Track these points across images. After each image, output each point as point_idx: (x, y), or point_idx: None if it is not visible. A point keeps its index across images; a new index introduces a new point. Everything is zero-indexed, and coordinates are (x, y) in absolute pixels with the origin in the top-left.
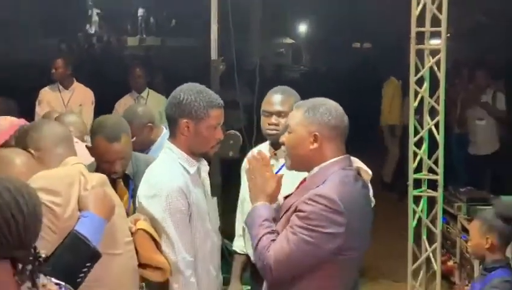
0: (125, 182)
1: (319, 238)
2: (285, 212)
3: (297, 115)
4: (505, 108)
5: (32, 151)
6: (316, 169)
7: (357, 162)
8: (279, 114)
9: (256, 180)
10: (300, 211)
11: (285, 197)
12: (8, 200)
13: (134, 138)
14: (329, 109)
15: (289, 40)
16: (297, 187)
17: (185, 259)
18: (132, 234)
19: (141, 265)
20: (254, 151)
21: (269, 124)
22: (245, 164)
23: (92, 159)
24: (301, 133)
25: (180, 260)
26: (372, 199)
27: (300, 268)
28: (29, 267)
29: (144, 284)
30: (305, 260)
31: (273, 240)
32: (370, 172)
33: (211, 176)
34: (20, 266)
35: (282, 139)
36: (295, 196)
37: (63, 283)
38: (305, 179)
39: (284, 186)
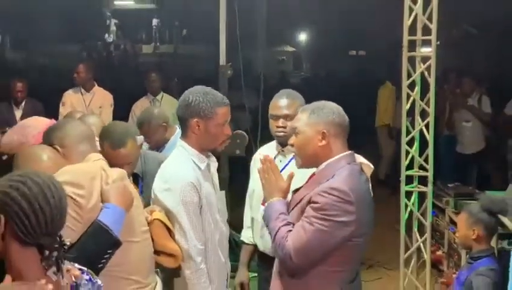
0: (135, 179)
1: (333, 226)
2: (297, 204)
3: (303, 117)
4: (490, 110)
5: (58, 147)
6: (324, 164)
7: (359, 158)
8: (285, 117)
9: (270, 179)
10: (314, 202)
11: (295, 191)
12: (36, 192)
13: (151, 136)
14: (332, 108)
15: (290, 48)
16: (307, 181)
17: (196, 247)
18: (148, 223)
19: (156, 252)
20: (262, 154)
21: (277, 127)
22: (253, 163)
23: None
24: (309, 133)
25: (191, 247)
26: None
27: (317, 255)
28: (55, 253)
29: (158, 269)
30: (321, 247)
31: (290, 231)
32: (372, 166)
33: (219, 171)
34: (46, 252)
35: (291, 141)
36: (305, 189)
37: (85, 269)
38: (314, 174)
39: (292, 184)
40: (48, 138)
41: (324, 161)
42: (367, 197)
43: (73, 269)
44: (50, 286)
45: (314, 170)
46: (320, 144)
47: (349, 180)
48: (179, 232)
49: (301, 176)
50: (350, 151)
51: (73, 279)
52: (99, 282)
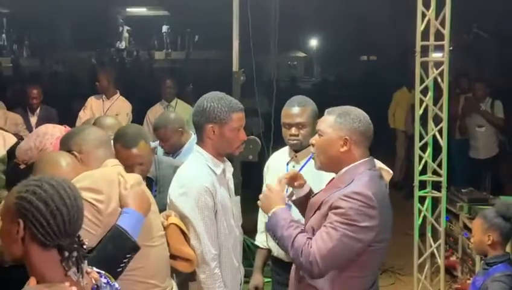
0: (148, 184)
1: (357, 231)
2: (316, 210)
3: (329, 119)
4: (503, 115)
5: (76, 153)
6: (344, 169)
7: (378, 163)
8: (298, 125)
9: (265, 197)
10: (337, 207)
11: (313, 195)
12: (51, 194)
13: (167, 141)
14: (358, 116)
15: (301, 54)
16: (326, 186)
17: (210, 252)
18: (164, 228)
19: (171, 256)
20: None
21: (290, 135)
22: (266, 168)
23: None
24: (332, 136)
25: (206, 252)
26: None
27: (342, 261)
28: (75, 254)
29: (174, 274)
30: (346, 253)
31: (309, 238)
32: (391, 172)
33: (233, 176)
34: (66, 253)
35: (313, 141)
36: (324, 193)
37: (103, 272)
38: (333, 178)
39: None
40: (66, 144)
41: (344, 167)
42: (387, 202)
43: (93, 272)
44: (74, 288)
45: (325, 173)
46: (342, 150)
47: (371, 185)
48: (194, 237)
49: (313, 179)
50: (370, 157)
51: (94, 281)
52: (117, 285)
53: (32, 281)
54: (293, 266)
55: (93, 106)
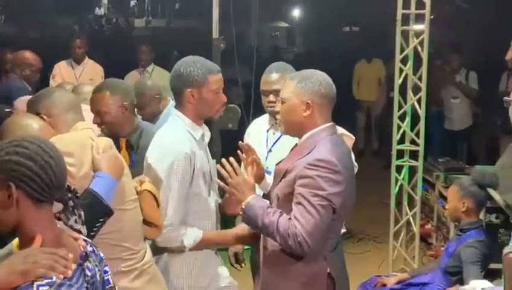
0: (128, 150)
1: (328, 199)
2: (281, 178)
3: (291, 85)
4: (477, 87)
5: (45, 117)
6: (305, 136)
7: (341, 129)
8: (276, 92)
9: (238, 181)
10: (303, 177)
11: (277, 164)
12: (34, 149)
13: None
14: (319, 79)
15: (284, 24)
16: (289, 153)
17: (169, 218)
18: (137, 193)
19: (143, 222)
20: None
21: (268, 102)
22: (247, 136)
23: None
24: (294, 102)
25: (169, 219)
26: (355, 164)
27: (326, 231)
28: (71, 203)
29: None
30: (326, 222)
31: (290, 219)
32: (353, 137)
33: (212, 145)
34: (62, 205)
35: (277, 108)
36: (287, 160)
37: (89, 240)
38: (296, 145)
39: (282, 152)
40: (34, 107)
41: (307, 132)
42: (350, 165)
43: (80, 239)
44: (70, 255)
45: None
46: (305, 114)
47: (334, 150)
48: (164, 200)
49: (292, 145)
50: (331, 123)
51: (82, 248)
52: (102, 255)
53: (38, 240)
54: (262, 245)
55: (63, 73)
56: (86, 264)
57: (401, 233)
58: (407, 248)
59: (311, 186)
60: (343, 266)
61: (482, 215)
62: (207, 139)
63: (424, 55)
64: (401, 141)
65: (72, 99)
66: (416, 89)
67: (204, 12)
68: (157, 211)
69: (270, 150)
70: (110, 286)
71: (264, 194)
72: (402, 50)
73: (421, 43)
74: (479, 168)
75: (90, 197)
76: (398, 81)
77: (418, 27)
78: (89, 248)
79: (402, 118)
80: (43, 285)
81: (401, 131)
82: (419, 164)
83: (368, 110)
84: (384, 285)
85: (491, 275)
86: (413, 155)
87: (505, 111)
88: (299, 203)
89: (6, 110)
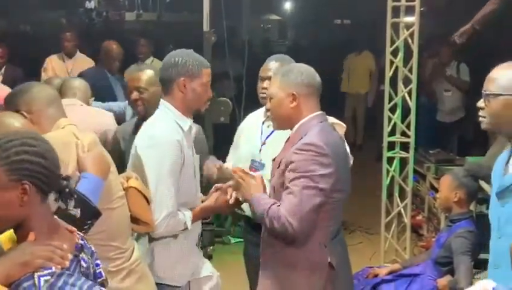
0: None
1: (315, 180)
2: (276, 169)
3: (275, 81)
4: (468, 78)
5: (25, 113)
6: (297, 125)
7: (331, 119)
8: (269, 79)
9: (248, 183)
10: (291, 162)
11: (274, 159)
12: (39, 144)
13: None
14: (300, 70)
15: (275, 17)
16: (284, 145)
17: (168, 209)
18: (124, 189)
19: (130, 219)
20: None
21: (262, 88)
22: (240, 130)
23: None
24: (281, 95)
25: (160, 212)
26: (350, 155)
27: (312, 213)
28: (67, 189)
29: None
30: (311, 204)
31: (279, 205)
32: (344, 125)
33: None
34: (59, 193)
35: (267, 106)
36: (283, 152)
37: (81, 234)
38: (289, 138)
39: (276, 145)
40: (13, 104)
41: (297, 122)
42: (342, 152)
43: (75, 232)
44: (65, 246)
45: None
46: (292, 106)
47: (322, 134)
48: (153, 190)
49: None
50: (321, 112)
51: (77, 240)
52: (93, 248)
53: (31, 235)
54: (263, 236)
55: (54, 66)
56: (81, 255)
57: (392, 224)
58: (399, 239)
59: (297, 170)
60: (345, 254)
61: (472, 207)
62: (193, 132)
63: (415, 47)
64: (392, 132)
65: (52, 94)
66: (407, 81)
67: (196, 6)
68: (144, 208)
69: (264, 143)
70: (102, 278)
71: None
72: (392, 42)
73: (411, 35)
74: (472, 159)
75: (76, 199)
76: (388, 73)
77: (409, 19)
78: (81, 241)
79: (393, 110)
80: (44, 275)
81: (392, 123)
82: (410, 155)
83: (358, 102)
84: (376, 276)
85: (481, 265)
86: (404, 147)
87: None
88: (286, 187)
89: None
